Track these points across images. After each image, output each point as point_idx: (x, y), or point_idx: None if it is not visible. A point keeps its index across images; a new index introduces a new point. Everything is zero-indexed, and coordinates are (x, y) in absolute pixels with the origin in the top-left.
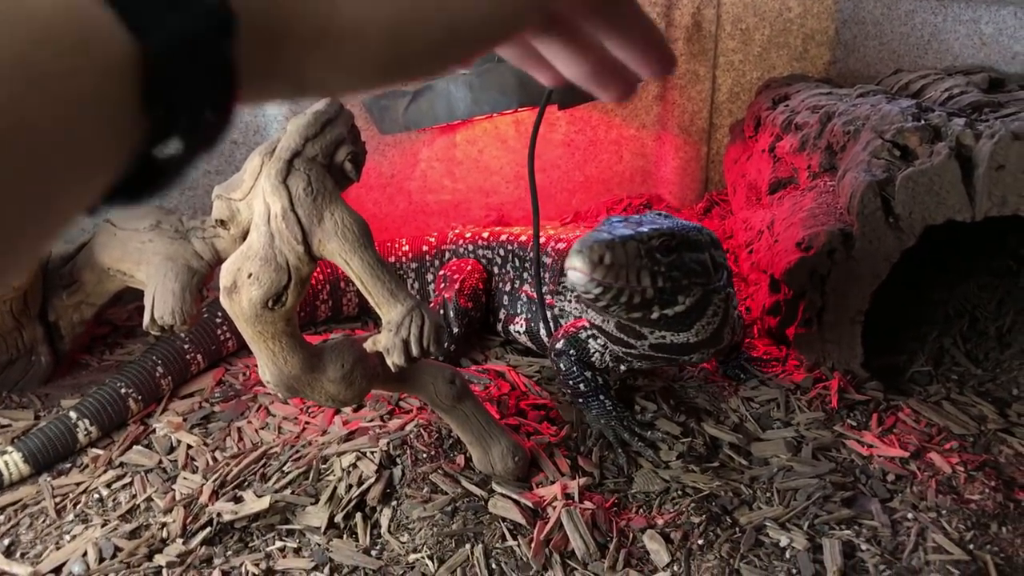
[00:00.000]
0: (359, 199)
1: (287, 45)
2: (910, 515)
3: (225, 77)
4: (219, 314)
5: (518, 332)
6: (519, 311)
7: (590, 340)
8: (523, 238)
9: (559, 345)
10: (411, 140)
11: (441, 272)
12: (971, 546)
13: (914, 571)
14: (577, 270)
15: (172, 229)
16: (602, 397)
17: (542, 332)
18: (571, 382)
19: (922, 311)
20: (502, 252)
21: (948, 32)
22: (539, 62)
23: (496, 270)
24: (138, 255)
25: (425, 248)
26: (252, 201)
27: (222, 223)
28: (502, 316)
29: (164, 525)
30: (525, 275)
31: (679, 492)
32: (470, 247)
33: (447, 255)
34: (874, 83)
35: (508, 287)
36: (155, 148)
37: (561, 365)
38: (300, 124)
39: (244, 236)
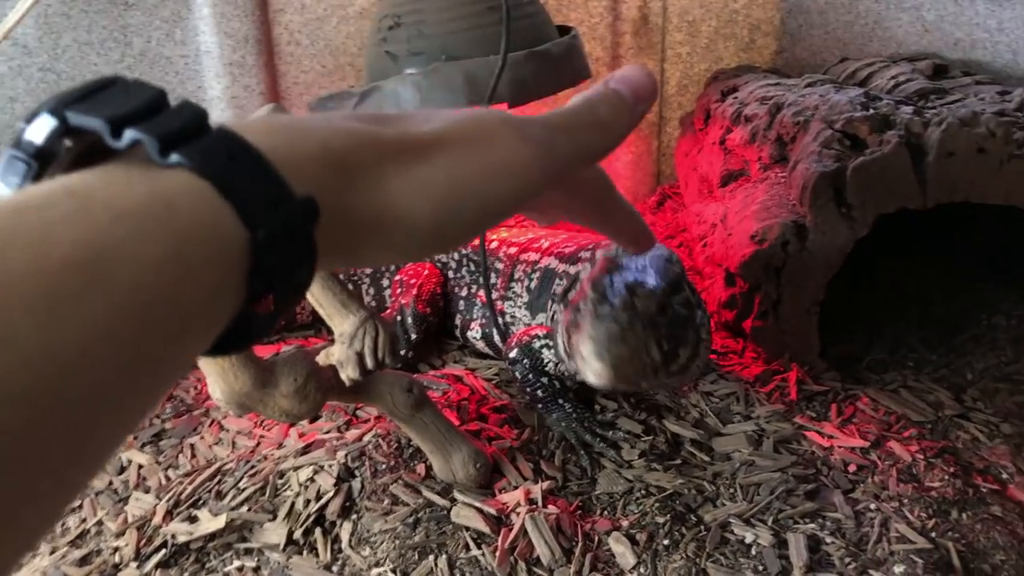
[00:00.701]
0: None
1: (352, 230)
2: (872, 505)
3: (310, 255)
4: None
5: (475, 337)
6: (475, 316)
7: (544, 350)
8: (476, 241)
9: (512, 354)
10: None
11: (397, 277)
12: (933, 534)
13: (879, 562)
14: (603, 377)
15: None
16: (561, 401)
17: (495, 337)
18: (528, 389)
19: (877, 299)
20: (456, 256)
21: (891, 20)
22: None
23: (451, 275)
24: None
25: None
26: None
27: None
28: (458, 321)
29: (116, 549)
30: (480, 279)
31: (643, 492)
32: None
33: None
34: (821, 72)
35: (464, 292)
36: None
37: (517, 373)
38: None
39: None
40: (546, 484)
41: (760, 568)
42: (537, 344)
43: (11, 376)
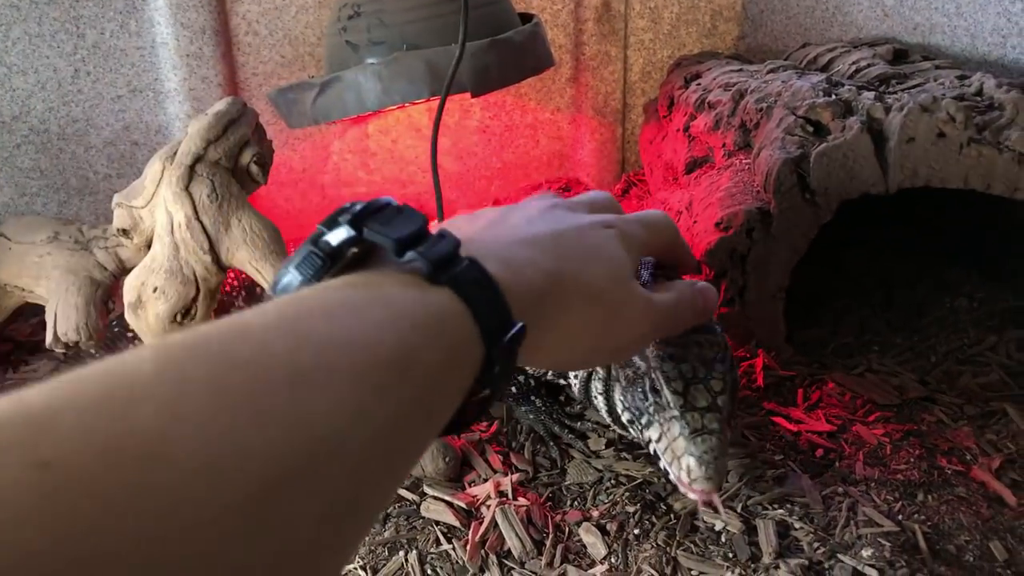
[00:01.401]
0: (270, 196)
1: (526, 350)
2: (840, 490)
3: (514, 365)
4: (131, 331)
5: None
6: None
7: None
8: None
9: None
10: (322, 133)
11: None
12: (900, 516)
13: (847, 546)
14: (711, 495)
15: (71, 240)
16: (532, 397)
17: None
18: None
19: (841, 284)
20: None
21: (852, 5)
22: None
23: None
24: (37, 270)
25: None
26: (155, 209)
27: (124, 232)
28: None
29: None
30: None
31: (612, 482)
32: None
33: None
34: (783, 57)
35: None
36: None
37: None
38: (201, 126)
39: (149, 245)
40: (516, 476)
41: (730, 555)
42: None
43: (359, 446)
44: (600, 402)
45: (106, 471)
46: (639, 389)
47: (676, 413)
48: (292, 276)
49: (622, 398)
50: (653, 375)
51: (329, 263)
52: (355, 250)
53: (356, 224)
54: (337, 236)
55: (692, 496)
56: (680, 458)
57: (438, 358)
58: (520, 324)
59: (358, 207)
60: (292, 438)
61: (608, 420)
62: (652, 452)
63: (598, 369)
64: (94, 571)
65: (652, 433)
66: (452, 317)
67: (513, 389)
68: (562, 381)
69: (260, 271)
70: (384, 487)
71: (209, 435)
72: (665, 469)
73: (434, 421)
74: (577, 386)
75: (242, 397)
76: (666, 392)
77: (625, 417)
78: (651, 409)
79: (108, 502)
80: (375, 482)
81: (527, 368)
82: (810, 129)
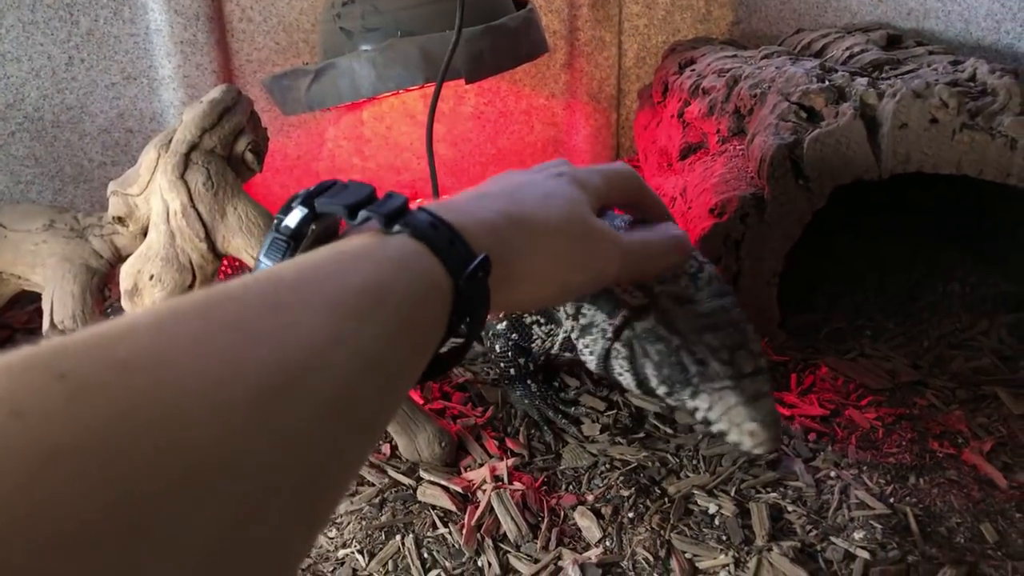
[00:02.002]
0: (265, 183)
1: (498, 282)
2: (833, 473)
3: (487, 297)
4: None
5: None
6: None
7: (535, 326)
8: None
9: (500, 327)
10: (316, 119)
11: None
12: (891, 499)
13: (839, 529)
14: (771, 441)
15: (67, 228)
16: (528, 381)
17: None
18: (503, 364)
19: (834, 269)
20: None
21: None
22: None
23: None
24: (32, 257)
25: None
26: (150, 196)
27: (120, 220)
28: None
29: None
30: None
31: (607, 466)
32: None
33: None
34: (777, 43)
35: None
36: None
37: (496, 347)
38: (196, 114)
39: (145, 232)
40: (511, 461)
41: (724, 538)
42: (528, 319)
43: (345, 361)
44: (628, 379)
45: (116, 378)
46: (675, 362)
47: (728, 383)
48: (263, 264)
49: (655, 373)
50: (694, 347)
51: (293, 244)
52: (313, 227)
53: (308, 203)
54: (294, 218)
55: (757, 452)
56: (741, 425)
57: (407, 290)
58: (483, 255)
59: (307, 190)
60: (281, 356)
61: (637, 393)
62: (700, 419)
63: (617, 347)
64: (115, 459)
65: (700, 403)
66: (414, 255)
67: (512, 371)
68: (582, 357)
69: (255, 259)
70: (374, 407)
71: (204, 350)
72: (720, 432)
73: (416, 351)
74: (595, 363)
75: (231, 322)
76: (713, 363)
77: (662, 391)
78: (695, 380)
79: (122, 402)
80: (364, 399)
81: (527, 350)
82: (804, 115)
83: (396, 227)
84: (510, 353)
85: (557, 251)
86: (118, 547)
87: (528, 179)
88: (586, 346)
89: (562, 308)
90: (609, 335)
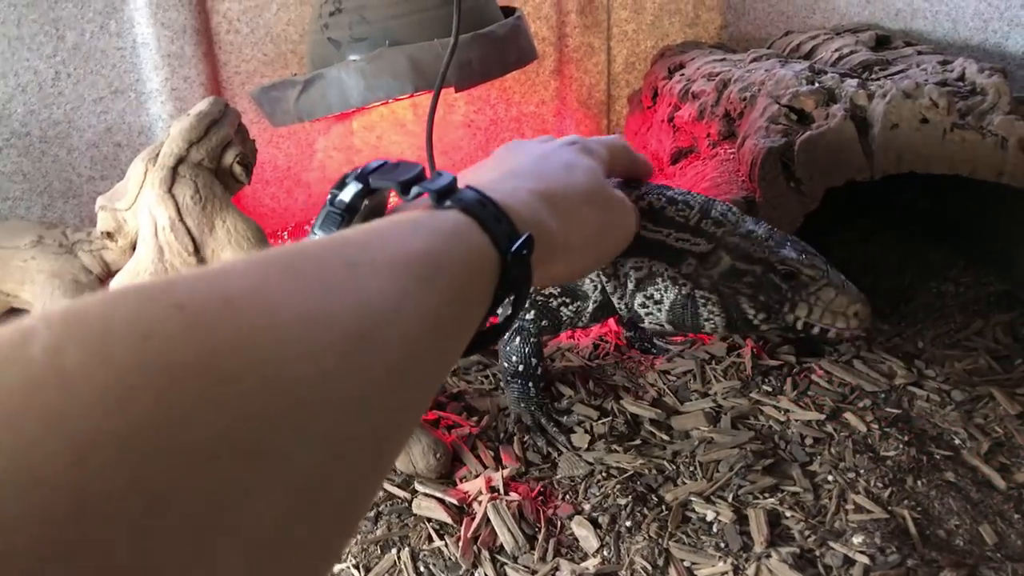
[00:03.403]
0: (255, 195)
1: (540, 257)
2: (830, 477)
3: (530, 272)
4: None
5: None
6: None
7: (562, 308)
8: None
9: (529, 316)
10: (306, 130)
11: None
12: (889, 503)
13: (838, 533)
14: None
15: (56, 244)
16: (530, 384)
17: None
18: (514, 358)
19: None
20: None
21: None
22: None
23: None
24: (21, 274)
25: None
26: (138, 211)
27: (109, 235)
28: None
29: None
30: None
31: (604, 474)
32: None
33: None
34: (766, 46)
35: None
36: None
37: (517, 340)
38: (183, 127)
39: (134, 247)
40: (507, 471)
41: (722, 545)
42: (555, 303)
43: (411, 319)
44: (717, 321)
45: (227, 312)
46: (768, 285)
47: (821, 282)
48: (317, 235)
49: (751, 304)
50: (777, 267)
51: (347, 216)
52: (367, 202)
53: (363, 178)
54: (348, 192)
55: (862, 332)
56: (847, 311)
57: (462, 259)
58: (527, 233)
59: (361, 168)
60: (358, 309)
61: (720, 333)
62: (800, 328)
63: (703, 294)
64: (231, 385)
65: (800, 312)
66: (466, 229)
67: (520, 367)
68: (640, 311)
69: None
70: (433, 368)
71: (295, 299)
72: (822, 330)
73: (466, 321)
74: (664, 312)
75: (312, 275)
76: (804, 272)
77: (760, 318)
78: (790, 294)
79: (233, 334)
80: (426, 358)
81: (540, 353)
82: (794, 117)
83: (447, 203)
84: (527, 349)
85: (587, 222)
86: (233, 464)
87: (544, 151)
88: (649, 297)
89: (587, 280)
90: (685, 284)
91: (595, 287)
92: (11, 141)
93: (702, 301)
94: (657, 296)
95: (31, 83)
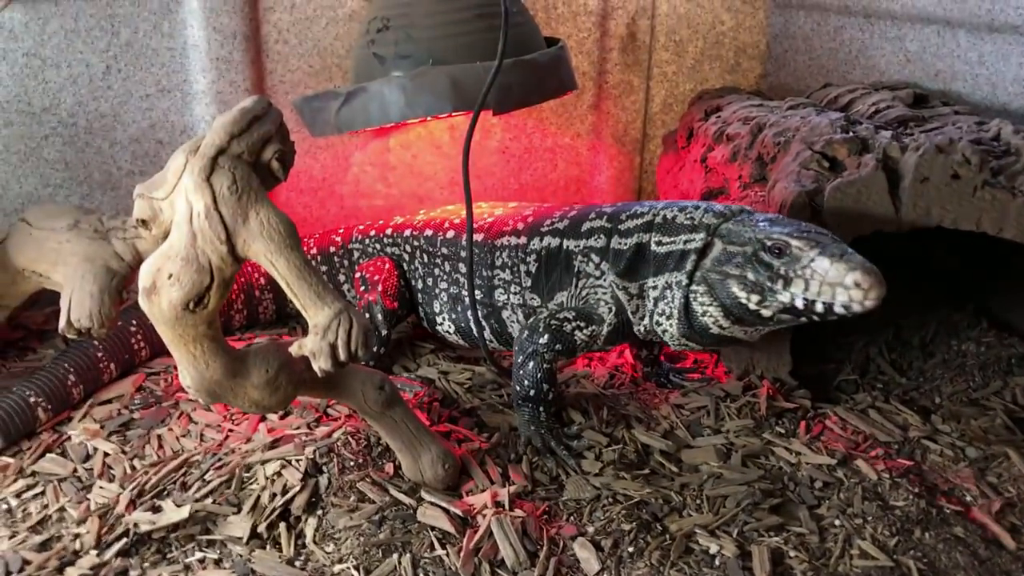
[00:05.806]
0: (288, 201)
1: None
2: (837, 521)
3: None
4: (133, 322)
5: (448, 331)
6: (438, 308)
7: (576, 332)
8: (428, 232)
9: (543, 340)
10: (343, 143)
11: (357, 274)
12: (895, 551)
13: None
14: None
15: (91, 229)
16: (540, 408)
17: (473, 330)
18: (527, 382)
19: (849, 321)
20: (408, 248)
21: (875, 49)
22: None
23: (405, 267)
24: (55, 256)
25: (332, 249)
26: (175, 200)
27: (144, 223)
28: (422, 314)
29: (77, 536)
30: (436, 271)
31: (610, 499)
32: (377, 245)
33: (355, 255)
34: (804, 96)
35: (420, 284)
36: None
37: (531, 364)
38: (226, 120)
39: (166, 237)
40: (513, 488)
41: None
42: (569, 327)
43: None
44: (715, 313)
45: None
46: (757, 262)
47: (814, 252)
48: None
49: (741, 286)
50: (767, 243)
51: None
52: None
53: None
54: None
55: (871, 303)
56: (844, 280)
57: None
58: None
59: None
60: None
61: (727, 329)
62: (803, 306)
63: (694, 289)
64: None
65: (796, 288)
66: None
67: (532, 392)
68: (657, 328)
69: (274, 264)
70: None
71: None
72: (827, 305)
73: None
74: (675, 324)
75: None
76: (793, 244)
77: (754, 301)
78: (782, 270)
79: None
80: None
81: (553, 378)
82: (826, 164)
83: None
84: (540, 374)
85: None
86: None
87: None
88: (662, 312)
89: (602, 303)
90: (683, 280)
91: (610, 310)
92: (57, 130)
93: (693, 295)
94: (666, 308)
95: (82, 75)
